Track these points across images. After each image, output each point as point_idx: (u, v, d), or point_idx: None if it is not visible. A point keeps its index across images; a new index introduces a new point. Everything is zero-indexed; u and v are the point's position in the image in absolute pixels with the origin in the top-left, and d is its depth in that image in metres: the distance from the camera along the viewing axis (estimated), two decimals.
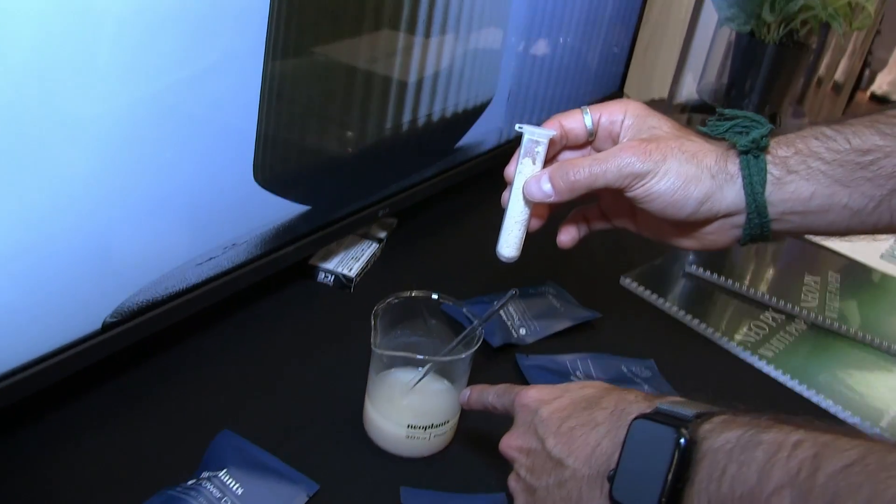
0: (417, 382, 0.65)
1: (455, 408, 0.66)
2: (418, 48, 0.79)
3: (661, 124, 0.55)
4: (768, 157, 0.51)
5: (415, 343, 0.68)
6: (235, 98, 0.61)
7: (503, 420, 0.58)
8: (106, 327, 0.61)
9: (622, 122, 0.56)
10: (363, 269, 0.89)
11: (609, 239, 1.05)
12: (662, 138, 0.53)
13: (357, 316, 0.82)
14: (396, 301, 0.67)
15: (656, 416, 0.44)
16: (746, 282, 1.00)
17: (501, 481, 0.66)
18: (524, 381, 0.77)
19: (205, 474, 0.61)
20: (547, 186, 0.55)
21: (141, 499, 0.57)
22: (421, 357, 0.63)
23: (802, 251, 1.12)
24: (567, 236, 0.63)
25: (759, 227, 0.53)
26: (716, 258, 1.04)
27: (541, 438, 0.51)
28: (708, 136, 0.55)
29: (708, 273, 1.00)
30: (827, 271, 1.07)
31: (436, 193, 0.96)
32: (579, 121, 0.57)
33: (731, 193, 0.52)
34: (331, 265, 0.87)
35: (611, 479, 0.44)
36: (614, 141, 0.57)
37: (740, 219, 0.54)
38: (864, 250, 1.16)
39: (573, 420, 0.50)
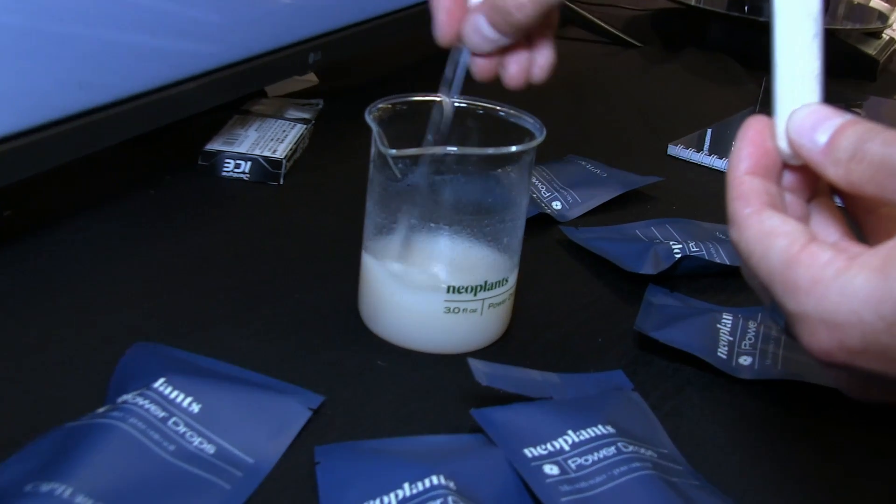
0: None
1: (515, 259, 0.38)
2: None
3: None
4: None
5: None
6: None
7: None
8: None
9: None
10: (290, 153, 0.57)
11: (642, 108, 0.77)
12: None
13: (300, 212, 0.52)
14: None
15: None
16: None
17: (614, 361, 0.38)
18: (581, 258, 0.48)
19: (124, 396, 0.33)
20: (491, 33, 0.37)
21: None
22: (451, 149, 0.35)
23: None
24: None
25: None
26: None
27: None
28: None
29: None
30: None
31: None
32: None
33: None
34: (242, 149, 0.55)
35: None
36: None
37: None
38: None
39: None
